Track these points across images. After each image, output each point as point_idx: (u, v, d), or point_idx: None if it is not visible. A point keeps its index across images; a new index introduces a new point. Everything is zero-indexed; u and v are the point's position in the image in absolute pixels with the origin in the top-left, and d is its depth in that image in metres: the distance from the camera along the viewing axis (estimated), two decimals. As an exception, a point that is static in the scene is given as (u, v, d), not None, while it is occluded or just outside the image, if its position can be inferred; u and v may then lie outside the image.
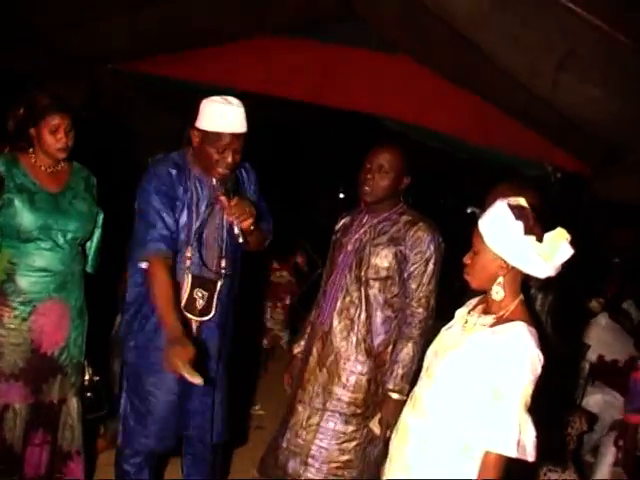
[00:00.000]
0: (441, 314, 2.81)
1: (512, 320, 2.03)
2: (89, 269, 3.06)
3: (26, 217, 2.72)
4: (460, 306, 2.35)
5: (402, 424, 2.27)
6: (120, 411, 2.97)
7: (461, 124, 5.18)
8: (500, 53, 4.01)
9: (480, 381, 2.00)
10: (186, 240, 2.78)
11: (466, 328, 2.16)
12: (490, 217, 2.03)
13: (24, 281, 2.77)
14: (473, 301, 2.29)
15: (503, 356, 1.97)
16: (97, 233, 3.04)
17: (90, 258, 3.06)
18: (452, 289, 2.98)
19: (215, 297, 2.84)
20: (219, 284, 2.85)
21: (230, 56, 5.22)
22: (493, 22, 3.76)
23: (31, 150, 2.82)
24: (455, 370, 2.08)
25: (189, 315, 2.81)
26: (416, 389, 2.26)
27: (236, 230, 2.69)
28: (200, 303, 2.82)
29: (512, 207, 1.99)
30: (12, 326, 2.79)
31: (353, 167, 3.21)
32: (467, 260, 2.12)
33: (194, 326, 2.84)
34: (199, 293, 2.82)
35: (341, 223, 3.11)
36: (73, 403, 3.00)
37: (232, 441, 3.40)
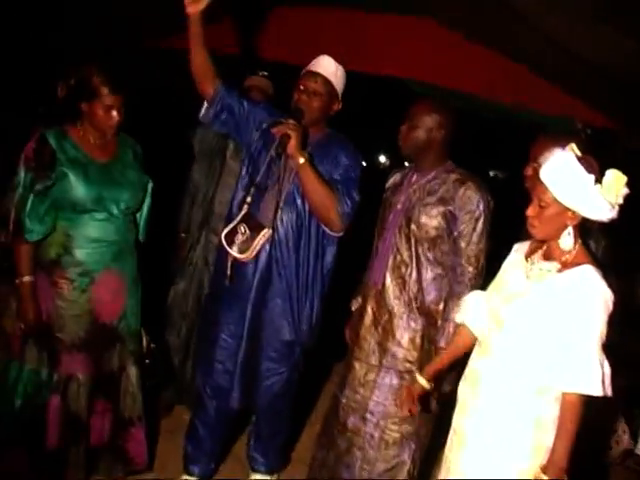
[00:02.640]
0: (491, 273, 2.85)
1: (578, 264, 2.08)
2: (141, 237, 3.12)
3: (80, 189, 2.77)
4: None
5: (471, 370, 2.32)
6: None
7: (488, 84, 5.13)
8: (533, 9, 3.97)
9: (555, 325, 2.06)
10: (252, 179, 2.98)
11: (531, 276, 2.20)
12: (557, 170, 2.04)
13: (81, 253, 2.83)
14: (522, 247, 2.33)
15: (576, 298, 2.03)
16: (147, 201, 3.09)
17: (141, 226, 3.12)
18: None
19: (257, 242, 2.89)
20: (265, 231, 2.90)
21: (250, 27, 5.20)
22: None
23: (79, 123, 2.86)
24: (527, 316, 2.14)
25: (225, 244, 2.92)
26: (483, 336, 2.31)
27: (275, 147, 2.84)
28: (239, 238, 2.89)
29: (580, 159, 2.01)
30: (72, 298, 2.85)
31: (389, 130, 3.23)
32: (532, 212, 2.14)
33: (229, 260, 2.95)
34: (242, 229, 2.90)
35: (391, 181, 3.14)
36: (132, 371, 3.07)
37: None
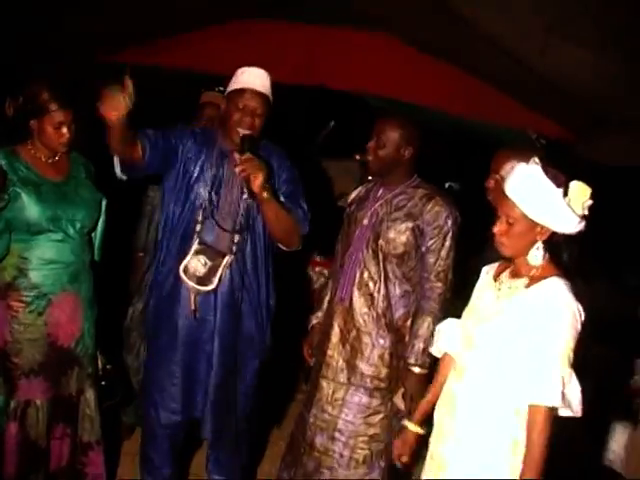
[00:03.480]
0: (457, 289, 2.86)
1: (546, 277, 2.05)
2: (96, 257, 3.03)
3: (34, 209, 2.68)
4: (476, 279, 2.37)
5: (447, 394, 2.28)
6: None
7: (441, 96, 5.16)
8: (485, 19, 4.01)
9: (523, 341, 2.03)
10: (199, 205, 2.84)
11: (500, 295, 2.17)
12: (524, 184, 2.00)
13: (36, 275, 2.74)
14: (490, 268, 2.31)
15: (542, 311, 1.99)
16: (102, 220, 3.01)
17: (96, 246, 3.03)
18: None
19: (220, 270, 2.83)
20: (227, 258, 2.85)
21: (210, 41, 5.17)
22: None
23: (29, 141, 2.79)
24: (498, 337, 2.10)
25: (186, 279, 2.83)
26: (458, 359, 2.27)
27: (244, 189, 2.75)
28: (200, 271, 2.82)
29: (547, 172, 1.96)
30: (28, 321, 2.76)
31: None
32: (499, 230, 2.09)
33: (191, 295, 2.86)
34: (202, 260, 2.82)
35: (354, 195, 3.13)
36: (90, 393, 2.99)
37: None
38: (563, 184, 1.97)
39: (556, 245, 2.12)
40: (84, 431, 2.99)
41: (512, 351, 2.06)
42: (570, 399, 1.97)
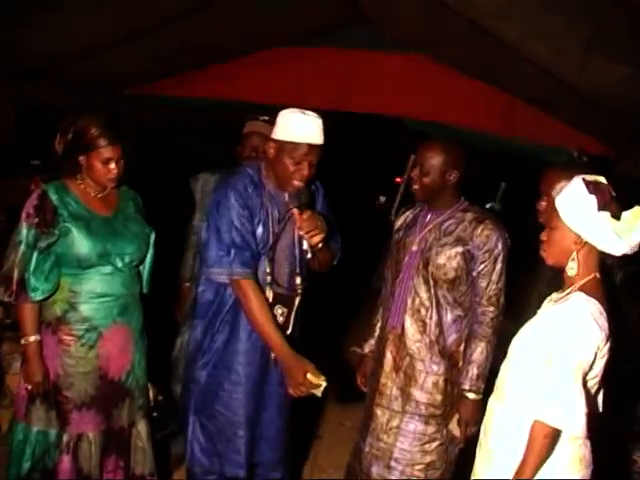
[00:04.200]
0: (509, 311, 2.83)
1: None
2: (145, 289, 3.04)
3: (85, 244, 2.70)
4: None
5: (488, 409, 2.29)
6: (188, 433, 2.98)
7: (482, 117, 5.16)
8: (524, 41, 4.00)
9: (539, 354, 2.04)
10: (264, 256, 2.80)
11: (543, 307, 2.19)
12: (565, 193, 2.05)
13: (87, 308, 2.75)
14: None
15: (556, 326, 2.00)
16: (150, 252, 3.02)
17: (145, 278, 3.04)
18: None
19: (293, 314, 2.85)
20: (297, 301, 2.86)
21: (247, 70, 5.23)
22: (516, 10, 3.75)
23: (79, 176, 2.81)
24: (524, 347, 2.12)
25: None
26: (500, 374, 2.27)
27: (305, 245, 2.70)
28: (280, 320, 2.82)
29: (587, 182, 2.00)
30: (79, 355, 2.77)
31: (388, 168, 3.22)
32: (543, 237, 2.15)
33: None
34: (279, 310, 2.83)
35: (401, 220, 3.10)
36: (142, 425, 3.00)
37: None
38: (605, 197, 1.97)
39: (611, 267, 2.12)
40: (137, 464, 2.99)
41: (529, 361, 2.07)
42: (571, 417, 1.94)
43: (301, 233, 2.66)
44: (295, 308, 2.86)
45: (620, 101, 4.14)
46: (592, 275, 2.08)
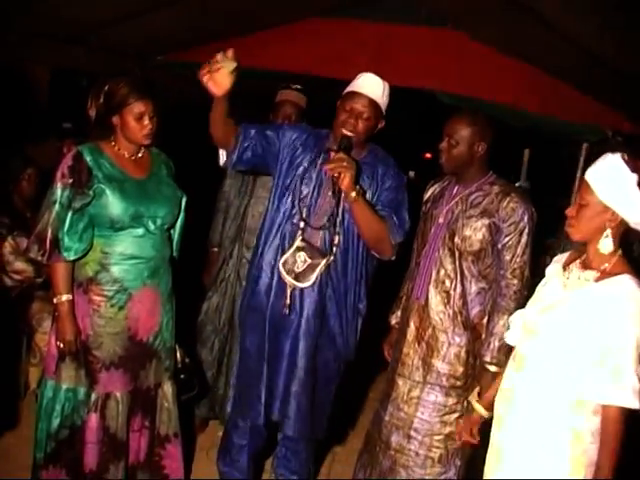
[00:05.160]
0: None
1: (617, 273, 2.04)
2: (175, 253, 3.08)
3: (118, 206, 2.73)
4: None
5: (507, 382, 2.28)
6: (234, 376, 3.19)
7: (516, 93, 5.09)
8: (560, 16, 3.94)
9: (589, 336, 2.02)
10: (303, 203, 2.89)
11: (568, 285, 2.17)
12: (602, 169, 2.04)
13: (118, 269, 2.80)
14: (561, 257, 2.31)
15: (612, 310, 1.99)
16: (181, 217, 3.06)
17: (175, 242, 3.08)
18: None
19: (318, 269, 2.84)
20: (327, 259, 2.86)
21: (280, 40, 5.20)
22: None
23: (112, 138, 2.84)
24: (563, 327, 2.10)
25: (284, 274, 2.87)
26: (518, 348, 2.28)
27: (330, 186, 2.75)
28: (299, 267, 2.85)
29: (626, 160, 2.00)
30: (109, 315, 2.82)
31: (418, 143, 3.20)
32: (571, 212, 2.12)
33: (288, 289, 2.89)
34: (302, 256, 2.85)
35: (429, 193, 3.11)
36: (168, 386, 3.05)
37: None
38: None
39: (631, 243, 2.12)
40: (162, 424, 3.05)
41: (576, 343, 2.06)
42: None
43: (326, 168, 2.68)
44: (322, 265, 2.85)
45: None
46: (619, 252, 2.10)
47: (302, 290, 2.88)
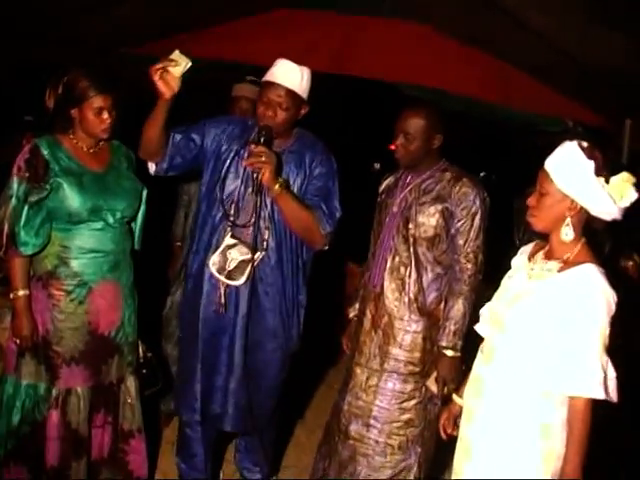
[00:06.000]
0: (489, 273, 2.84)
1: (580, 263, 2.04)
2: (136, 246, 3.06)
3: (76, 200, 2.71)
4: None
5: (474, 377, 2.28)
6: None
7: (478, 84, 5.11)
8: (522, 8, 3.97)
9: (555, 326, 2.02)
10: (231, 199, 2.86)
11: (532, 275, 2.18)
12: (559, 157, 2.04)
13: (77, 263, 2.77)
14: (527, 248, 2.32)
15: (577, 298, 1.99)
16: (142, 209, 3.04)
17: (136, 235, 3.06)
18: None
19: (249, 266, 2.80)
20: (258, 254, 2.83)
21: (246, 32, 5.17)
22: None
23: (71, 131, 2.81)
24: (528, 319, 2.10)
25: (215, 273, 2.84)
26: (486, 341, 2.28)
27: (250, 182, 2.76)
28: (231, 265, 2.82)
29: (583, 148, 2.00)
30: (69, 310, 2.80)
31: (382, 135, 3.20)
32: (532, 202, 2.13)
33: (221, 287, 2.87)
34: (232, 254, 2.82)
35: (384, 184, 3.13)
36: (131, 382, 3.03)
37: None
38: (599, 162, 1.97)
39: (595, 234, 2.12)
40: (125, 419, 3.03)
41: (542, 334, 2.06)
42: (609, 387, 1.98)
43: (245, 163, 2.69)
44: (255, 261, 2.81)
45: (618, 73, 4.12)
46: (582, 241, 2.10)
47: (236, 288, 2.86)
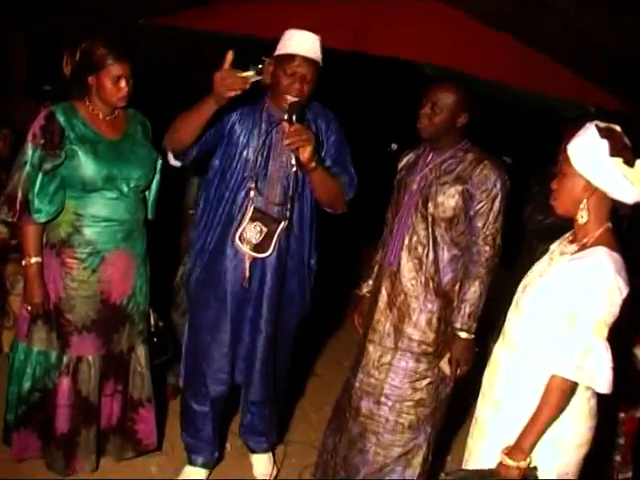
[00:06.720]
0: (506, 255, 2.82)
1: (594, 246, 1.99)
2: (150, 215, 3.05)
3: (90, 167, 2.69)
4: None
5: (493, 358, 2.26)
6: (182, 349, 3.09)
7: (500, 68, 5.05)
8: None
9: (560, 309, 1.99)
10: (250, 172, 2.81)
11: (553, 258, 2.14)
12: (577, 138, 1.99)
13: (91, 232, 2.77)
14: (568, 235, 2.25)
15: (579, 281, 1.94)
16: (157, 179, 3.02)
17: (150, 204, 3.04)
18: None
19: (275, 237, 2.83)
20: (282, 224, 2.84)
21: (263, 7, 5.13)
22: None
23: (87, 98, 2.79)
24: (539, 301, 2.07)
25: (242, 246, 2.83)
26: (506, 323, 2.24)
27: (292, 160, 2.68)
28: (257, 238, 2.82)
29: (599, 128, 1.95)
30: (82, 278, 2.80)
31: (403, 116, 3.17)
32: (554, 185, 2.09)
33: (247, 261, 2.86)
34: (257, 227, 2.81)
35: (404, 161, 3.08)
36: (141, 350, 3.04)
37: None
38: (619, 143, 1.92)
39: (621, 218, 2.07)
40: (135, 388, 3.04)
41: (548, 316, 2.03)
42: (595, 373, 1.91)
43: (286, 143, 2.63)
44: (278, 232, 2.83)
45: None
46: (605, 226, 2.03)
47: (262, 260, 2.87)
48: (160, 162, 2.99)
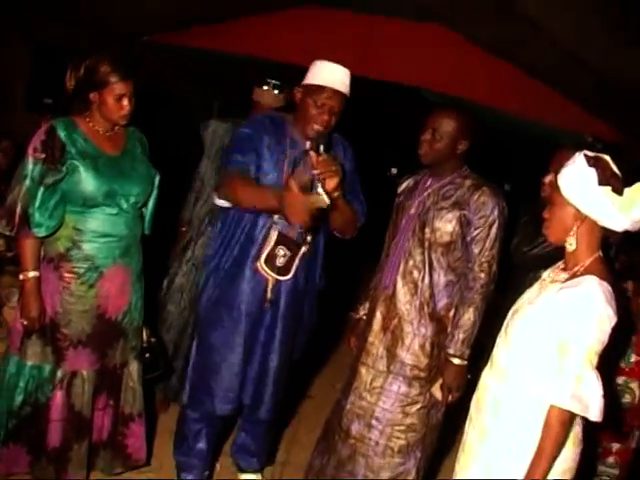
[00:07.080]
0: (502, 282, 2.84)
1: (585, 275, 2.01)
2: (146, 231, 3.06)
3: (91, 183, 2.71)
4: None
5: (481, 384, 2.28)
6: (189, 367, 3.11)
7: (499, 95, 5.12)
8: (549, 24, 3.96)
9: (550, 338, 2.00)
10: None
11: (543, 286, 2.16)
12: (566, 167, 2.03)
13: (90, 247, 2.78)
14: (560, 263, 2.27)
15: (570, 310, 1.96)
16: (154, 195, 3.03)
17: (147, 220, 3.05)
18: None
19: (297, 260, 2.89)
20: (303, 249, 2.90)
21: (264, 28, 5.19)
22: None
23: (87, 113, 2.81)
24: (528, 328, 2.09)
25: (267, 270, 2.87)
26: (494, 349, 2.26)
27: (320, 189, 2.65)
28: (281, 261, 2.87)
29: (587, 157, 1.98)
30: (79, 293, 2.80)
31: (402, 140, 3.20)
32: (546, 214, 2.12)
33: (270, 284, 2.90)
34: (281, 251, 2.86)
35: (404, 186, 3.12)
36: (134, 366, 3.04)
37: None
38: (606, 173, 1.94)
39: (610, 246, 2.09)
40: (126, 403, 3.04)
41: (535, 344, 2.04)
42: (587, 402, 1.93)
43: (315, 172, 2.64)
44: (300, 256, 2.90)
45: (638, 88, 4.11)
46: (596, 254, 2.05)
47: (280, 282, 2.92)
48: (158, 178, 3.01)
